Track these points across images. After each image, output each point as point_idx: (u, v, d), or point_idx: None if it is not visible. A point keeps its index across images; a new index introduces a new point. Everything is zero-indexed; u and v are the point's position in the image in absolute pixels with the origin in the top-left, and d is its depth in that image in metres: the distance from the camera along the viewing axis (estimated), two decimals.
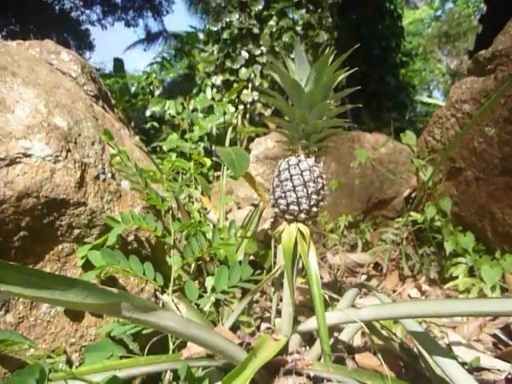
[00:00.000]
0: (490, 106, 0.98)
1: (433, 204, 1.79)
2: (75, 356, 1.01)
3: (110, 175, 1.15)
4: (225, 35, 5.32)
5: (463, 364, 1.04)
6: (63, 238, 1.01)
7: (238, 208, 2.60)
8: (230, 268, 1.13)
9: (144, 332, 0.98)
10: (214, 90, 5.22)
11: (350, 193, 2.50)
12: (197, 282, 1.33)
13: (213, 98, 5.05)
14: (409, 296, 1.66)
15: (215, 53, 5.54)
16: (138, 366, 0.84)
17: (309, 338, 1.09)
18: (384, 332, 1.12)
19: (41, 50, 1.44)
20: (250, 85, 5.14)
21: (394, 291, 1.74)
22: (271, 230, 1.82)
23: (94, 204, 1.05)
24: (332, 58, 0.86)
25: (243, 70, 5.22)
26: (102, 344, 0.92)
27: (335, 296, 1.34)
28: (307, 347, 1.00)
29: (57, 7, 12.25)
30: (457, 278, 1.60)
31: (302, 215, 0.88)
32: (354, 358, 1.09)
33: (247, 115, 5.12)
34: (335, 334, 1.06)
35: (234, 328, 1.10)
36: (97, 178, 1.10)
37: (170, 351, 0.97)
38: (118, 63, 9.93)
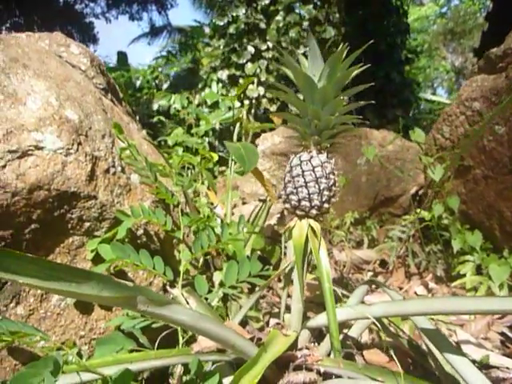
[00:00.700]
0: (504, 106, 0.97)
1: (440, 202, 1.78)
2: (84, 349, 1.02)
3: (119, 169, 1.15)
4: (231, 30, 5.30)
5: (473, 362, 1.03)
6: (73, 230, 1.01)
7: (243, 203, 2.60)
8: (239, 263, 1.13)
9: (153, 326, 0.98)
10: (220, 84, 5.21)
11: (357, 190, 2.50)
12: (204, 276, 1.33)
13: (218, 93, 5.04)
14: (415, 293, 1.66)
15: (221, 47, 5.52)
16: (148, 360, 0.84)
17: (318, 334, 1.09)
18: (392, 329, 1.12)
19: (50, 43, 1.43)
20: (255, 80, 5.12)
21: (401, 288, 1.74)
22: (277, 226, 1.82)
23: (104, 197, 1.05)
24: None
25: (249, 64, 5.20)
26: (113, 337, 0.92)
27: (344, 292, 1.34)
28: (316, 343, 1.00)
29: (61, 0, 12.21)
30: (464, 276, 1.60)
31: (314, 211, 0.87)
32: (362, 355, 1.09)
33: (252, 110, 5.11)
34: (344, 331, 1.06)
35: (242, 323, 1.10)
36: (107, 171, 1.10)
37: (180, 345, 0.97)
38: (122, 57, 9.92)
